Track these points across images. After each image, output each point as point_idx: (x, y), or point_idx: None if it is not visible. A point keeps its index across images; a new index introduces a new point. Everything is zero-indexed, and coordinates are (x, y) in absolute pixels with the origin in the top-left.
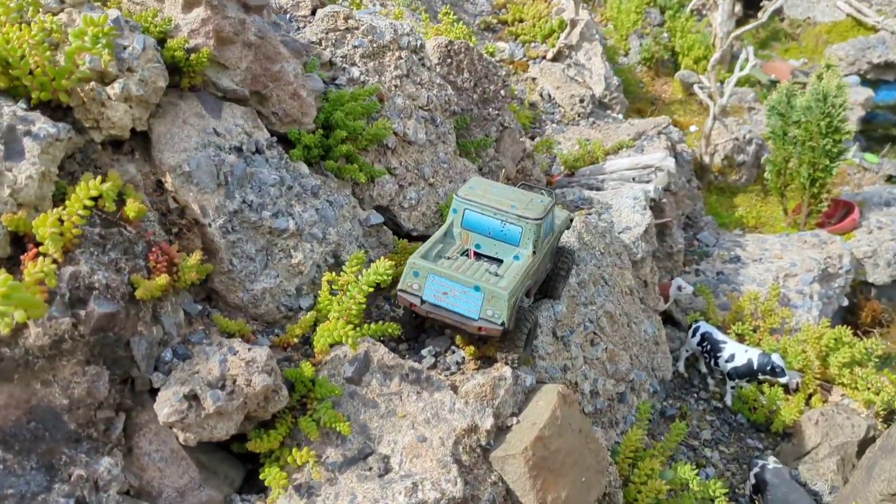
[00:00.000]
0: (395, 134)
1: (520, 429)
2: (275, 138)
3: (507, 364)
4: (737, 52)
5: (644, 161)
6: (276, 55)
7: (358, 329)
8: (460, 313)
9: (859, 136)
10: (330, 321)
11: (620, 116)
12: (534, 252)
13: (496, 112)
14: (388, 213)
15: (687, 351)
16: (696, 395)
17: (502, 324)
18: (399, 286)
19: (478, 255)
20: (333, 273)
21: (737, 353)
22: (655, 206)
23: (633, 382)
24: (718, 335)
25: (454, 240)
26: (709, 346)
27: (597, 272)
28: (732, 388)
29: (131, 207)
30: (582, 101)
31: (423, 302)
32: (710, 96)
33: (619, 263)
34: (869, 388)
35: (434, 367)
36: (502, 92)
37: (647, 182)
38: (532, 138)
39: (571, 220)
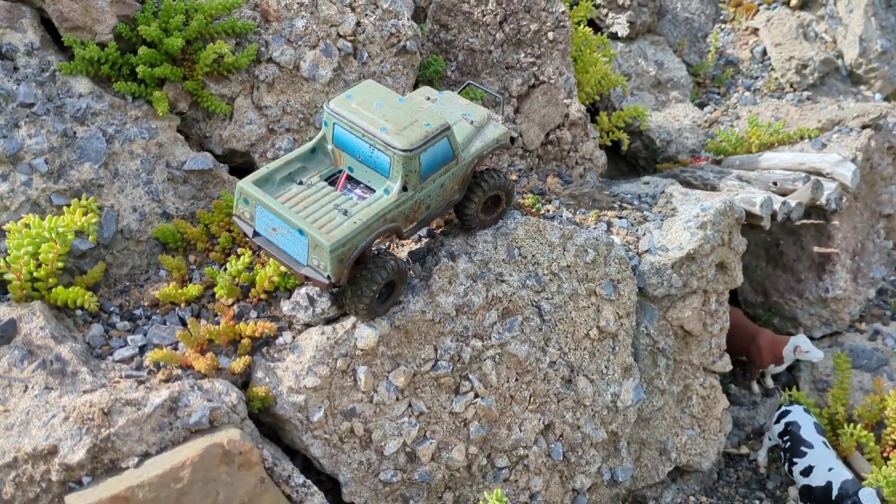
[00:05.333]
0: (276, 64)
1: (124, 478)
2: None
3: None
4: None
5: (810, 162)
6: None
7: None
8: (289, 254)
9: None
10: None
11: (878, 97)
12: (405, 188)
13: (532, 59)
14: (245, 164)
15: (770, 439)
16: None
17: (328, 278)
18: (234, 210)
19: (351, 180)
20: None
21: (817, 468)
22: (820, 230)
23: (526, 458)
24: (808, 432)
25: (325, 158)
26: (789, 444)
27: (528, 297)
28: None
29: None
30: (804, 66)
31: (255, 234)
32: None
33: (597, 292)
34: None
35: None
36: (550, 35)
37: (789, 191)
38: (701, 107)
39: (513, 141)
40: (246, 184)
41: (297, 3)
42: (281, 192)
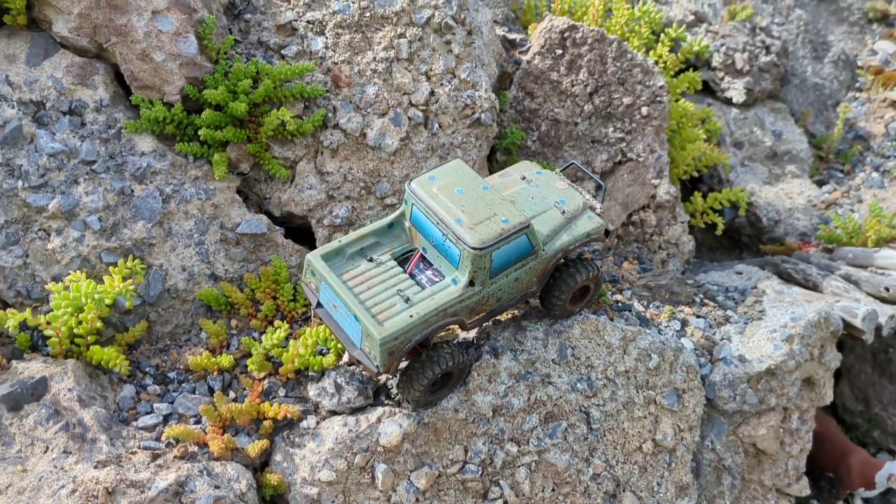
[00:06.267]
0: (343, 131)
1: None
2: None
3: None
4: None
5: None
6: (126, 5)
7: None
8: (346, 334)
9: None
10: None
11: None
12: (471, 283)
13: (621, 135)
14: (302, 226)
15: None
16: None
17: (377, 367)
18: (302, 278)
19: (424, 260)
20: (81, 274)
21: None
22: None
23: None
24: None
25: (402, 234)
26: None
27: (576, 402)
28: None
29: None
30: None
31: (318, 305)
32: None
33: (657, 402)
34: None
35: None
36: (644, 110)
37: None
38: (820, 185)
39: (608, 233)
40: (314, 257)
41: (371, 70)
42: (348, 269)
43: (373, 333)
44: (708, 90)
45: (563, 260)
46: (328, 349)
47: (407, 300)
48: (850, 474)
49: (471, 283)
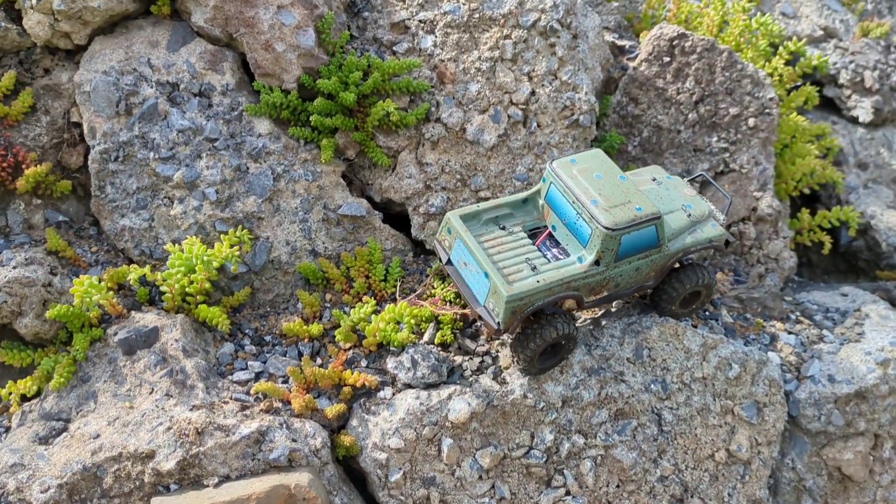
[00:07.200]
0: (444, 125)
1: (201, 495)
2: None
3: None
4: None
5: None
6: None
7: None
8: (472, 290)
9: None
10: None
11: None
12: (597, 262)
13: (724, 145)
14: (400, 213)
15: None
16: None
17: (498, 324)
18: (437, 235)
19: (551, 238)
20: (195, 239)
21: None
22: None
23: None
24: None
25: (534, 210)
26: None
27: (648, 402)
28: None
29: (16, 105)
30: None
31: (448, 262)
32: None
33: (735, 412)
34: None
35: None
36: (751, 121)
37: None
38: None
39: (728, 244)
40: (453, 216)
41: (476, 69)
42: (482, 233)
43: (500, 290)
44: (833, 108)
45: (680, 263)
46: (403, 324)
47: (534, 268)
48: None
49: (596, 263)
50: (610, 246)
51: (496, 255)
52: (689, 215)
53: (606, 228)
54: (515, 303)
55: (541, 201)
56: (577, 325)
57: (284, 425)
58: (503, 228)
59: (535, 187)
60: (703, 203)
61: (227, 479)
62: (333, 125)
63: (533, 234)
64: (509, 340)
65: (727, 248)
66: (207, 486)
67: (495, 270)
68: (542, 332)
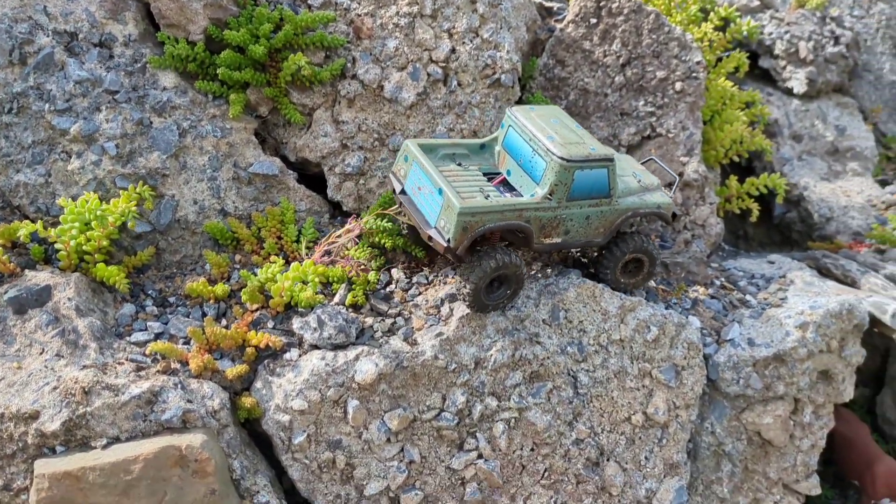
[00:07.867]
0: (360, 81)
1: (86, 456)
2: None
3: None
4: None
5: None
6: None
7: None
8: (423, 215)
9: None
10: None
11: None
12: (549, 196)
13: (651, 109)
14: (318, 174)
15: None
16: None
17: (448, 241)
18: (393, 167)
19: (506, 184)
20: (93, 195)
21: None
22: None
23: None
24: None
25: (490, 157)
26: None
27: (564, 364)
28: None
29: None
30: None
31: (402, 192)
32: None
33: (653, 375)
34: None
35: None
36: (678, 85)
37: None
38: (883, 185)
39: (674, 217)
40: (412, 142)
41: (393, 24)
42: (439, 165)
43: (454, 203)
44: (769, 79)
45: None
46: (308, 282)
47: (487, 197)
48: (874, 483)
49: (549, 196)
50: (563, 179)
51: (452, 181)
52: (640, 181)
53: (561, 158)
54: (467, 217)
55: (497, 148)
56: (521, 260)
57: (179, 385)
58: (459, 165)
59: (492, 135)
60: (654, 178)
61: (116, 440)
62: (243, 79)
63: (488, 178)
64: (455, 275)
65: (674, 220)
66: (95, 447)
67: (450, 187)
68: (482, 262)
